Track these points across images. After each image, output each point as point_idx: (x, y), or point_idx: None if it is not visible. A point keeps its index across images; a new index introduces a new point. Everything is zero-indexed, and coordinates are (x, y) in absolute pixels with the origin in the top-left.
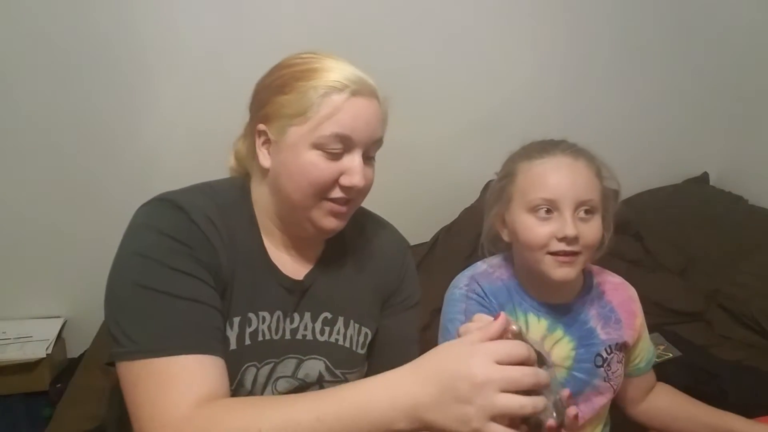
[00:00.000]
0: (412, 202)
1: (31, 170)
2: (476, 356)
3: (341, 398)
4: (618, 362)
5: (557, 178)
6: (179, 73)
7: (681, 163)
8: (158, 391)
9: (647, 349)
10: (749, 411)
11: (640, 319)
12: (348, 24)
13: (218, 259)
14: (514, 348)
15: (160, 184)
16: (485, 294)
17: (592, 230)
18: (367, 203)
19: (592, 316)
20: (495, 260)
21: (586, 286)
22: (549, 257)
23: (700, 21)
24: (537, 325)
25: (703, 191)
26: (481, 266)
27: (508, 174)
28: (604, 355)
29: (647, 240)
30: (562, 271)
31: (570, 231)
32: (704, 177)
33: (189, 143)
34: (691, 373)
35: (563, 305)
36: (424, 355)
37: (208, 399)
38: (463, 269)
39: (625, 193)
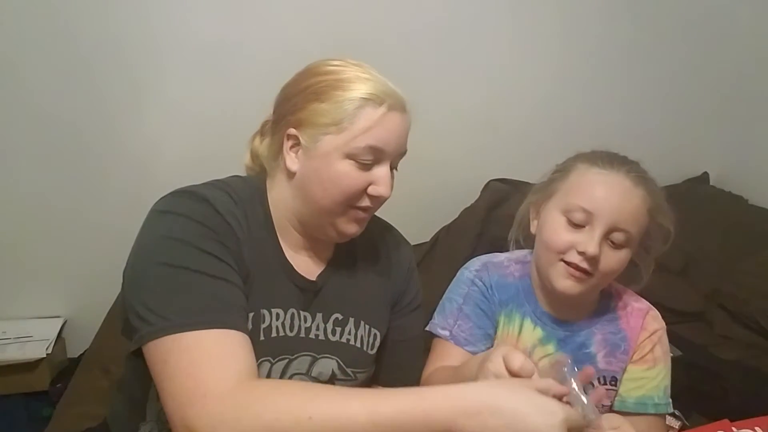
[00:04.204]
0: (411, 202)
1: (30, 170)
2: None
3: (397, 401)
4: (608, 397)
5: (606, 194)
6: (183, 64)
7: (681, 163)
8: (193, 364)
9: (637, 384)
10: (749, 411)
11: (649, 352)
12: (348, 22)
13: (241, 250)
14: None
15: (161, 186)
16: (491, 285)
17: (614, 260)
18: None
19: (595, 341)
20: (516, 254)
21: (600, 309)
22: (562, 264)
23: (701, 21)
24: (531, 333)
25: (703, 191)
26: (500, 256)
27: (563, 169)
28: (595, 384)
29: None
30: (567, 283)
31: (592, 249)
32: (704, 177)
33: (190, 143)
34: (692, 373)
35: (566, 322)
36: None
37: (243, 374)
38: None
39: None
